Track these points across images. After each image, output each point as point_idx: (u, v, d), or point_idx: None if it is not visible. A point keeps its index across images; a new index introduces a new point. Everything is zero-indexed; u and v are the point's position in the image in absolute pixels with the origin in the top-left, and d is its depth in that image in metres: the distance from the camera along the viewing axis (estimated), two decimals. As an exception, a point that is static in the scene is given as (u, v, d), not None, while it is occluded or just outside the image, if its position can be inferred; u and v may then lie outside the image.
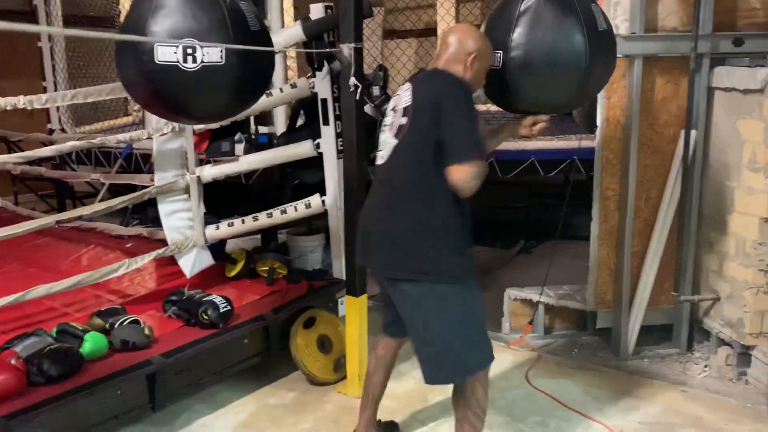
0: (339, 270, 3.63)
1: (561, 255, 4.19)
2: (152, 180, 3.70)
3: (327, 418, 3.04)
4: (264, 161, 3.76)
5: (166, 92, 2.25)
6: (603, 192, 3.56)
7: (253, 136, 3.95)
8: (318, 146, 3.56)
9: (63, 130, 5.92)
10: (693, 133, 3.43)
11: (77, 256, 4.17)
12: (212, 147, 3.69)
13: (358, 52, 2.89)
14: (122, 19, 5.01)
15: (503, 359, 3.56)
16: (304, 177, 3.88)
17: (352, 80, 2.88)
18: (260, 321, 3.25)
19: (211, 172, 3.70)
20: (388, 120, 2.40)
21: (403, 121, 2.28)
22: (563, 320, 3.94)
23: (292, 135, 3.86)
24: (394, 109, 2.38)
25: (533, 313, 3.85)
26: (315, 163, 3.62)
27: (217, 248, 3.92)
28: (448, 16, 6.53)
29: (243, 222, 3.71)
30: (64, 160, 5.53)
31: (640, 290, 3.57)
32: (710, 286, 3.53)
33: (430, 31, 7.05)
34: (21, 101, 3.69)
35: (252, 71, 2.35)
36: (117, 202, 3.57)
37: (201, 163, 3.76)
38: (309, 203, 3.57)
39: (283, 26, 4.72)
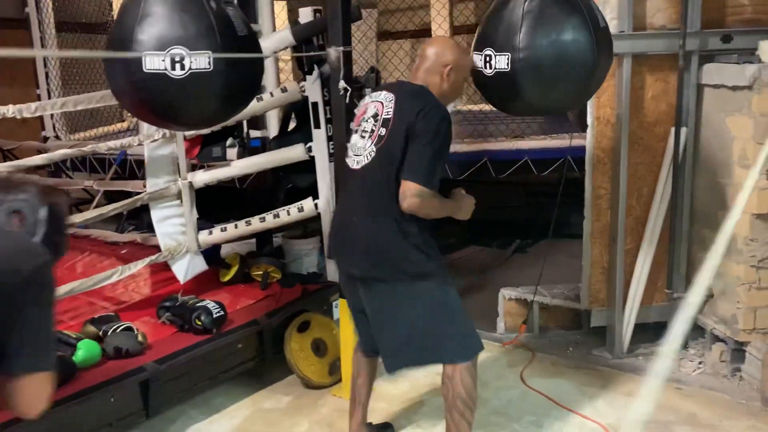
0: (333, 273, 3.62)
1: (556, 254, 4.20)
2: (145, 186, 3.70)
3: (322, 422, 3.05)
4: (256, 165, 3.75)
5: (155, 100, 2.27)
6: (595, 191, 3.56)
7: (246, 140, 3.94)
8: (310, 150, 3.57)
9: (57, 137, 5.90)
10: (683, 130, 3.43)
11: (72, 264, 4.15)
12: (204, 152, 3.68)
13: (347, 56, 2.90)
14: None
15: (498, 359, 3.57)
16: (296, 180, 3.88)
17: (342, 84, 2.89)
18: (254, 325, 3.25)
19: (203, 177, 3.69)
20: (367, 126, 2.44)
21: (383, 132, 2.38)
22: (558, 319, 3.94)
23: (284, 139, 3.86)
24: (375, 117, 2.43)
25: (528, 313, 3.86)
26: (307, 166, 3.62)
27: (211, 253, 3.92)
28: (441, 17, 6.54)
29: (236, 227, 3.71)
30: (59, 167, 5.53)
31: (633, 288, 3.57)
32: (703, 282, 3.54)
33: (424, 32, 7.04)
34: (11, 110, 3.65)
35: (241, 77, 2.37)
36: (109, 209, 3.58)
37: (193, 168, 3.76)
38: (302, 207, 3.57)
39: (275, 30, 4.72)
